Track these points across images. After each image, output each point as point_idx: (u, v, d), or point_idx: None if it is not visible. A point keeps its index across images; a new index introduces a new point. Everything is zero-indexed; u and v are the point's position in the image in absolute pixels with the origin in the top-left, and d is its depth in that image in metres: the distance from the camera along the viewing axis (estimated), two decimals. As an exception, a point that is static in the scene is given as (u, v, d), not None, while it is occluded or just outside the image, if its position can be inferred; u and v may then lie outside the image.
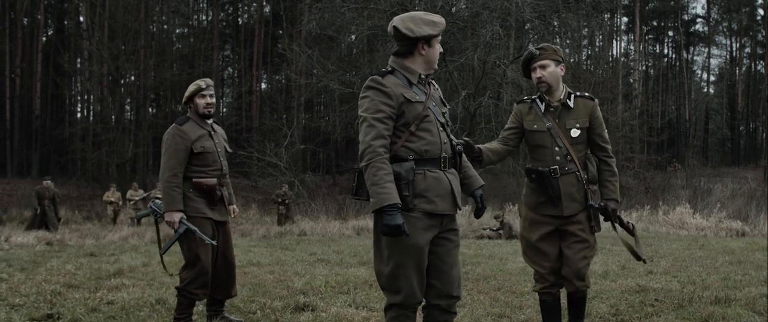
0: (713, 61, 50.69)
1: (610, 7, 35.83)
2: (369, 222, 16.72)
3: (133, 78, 32.47)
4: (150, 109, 35.95)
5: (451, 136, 3.18)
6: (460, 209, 3.15)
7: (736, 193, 21.17)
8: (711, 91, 51.12)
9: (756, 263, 7.91)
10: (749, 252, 9.36)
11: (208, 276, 4.36)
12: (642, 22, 43.18)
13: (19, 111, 34.84)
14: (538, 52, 3.71)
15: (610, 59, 40.17)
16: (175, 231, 4.29)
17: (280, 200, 19.98)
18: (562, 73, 3.74)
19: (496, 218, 13.99)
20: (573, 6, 27.04)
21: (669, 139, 42.66)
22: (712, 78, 51.57)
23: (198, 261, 4.32)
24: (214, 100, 4.55)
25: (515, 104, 3.90)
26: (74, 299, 5.55)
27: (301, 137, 30.51)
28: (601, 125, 3.74)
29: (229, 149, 4.72)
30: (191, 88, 4.52)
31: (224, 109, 40.99)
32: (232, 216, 4.73)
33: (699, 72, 51.13)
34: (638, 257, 3.91)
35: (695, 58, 49.69)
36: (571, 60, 33.52)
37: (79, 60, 36.71)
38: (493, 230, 13.62)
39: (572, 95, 3.76)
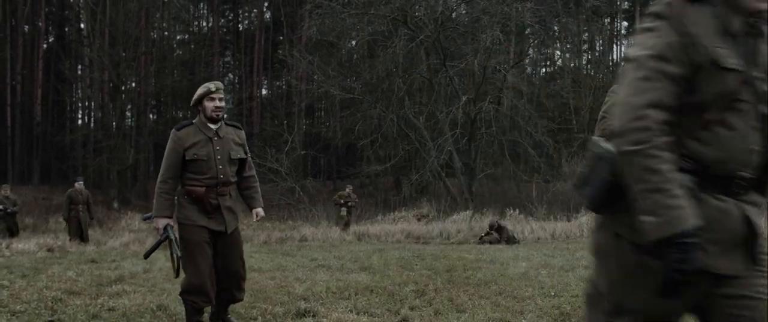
0: (713, 65, 50.75)
1: (610, 12, 35.89)
2: (369, 228, 16.65)
3: (133, 84, 32.54)
4: (151, 116, 36.04)
5: None
6: None
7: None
8: (711, 95, 51.17)
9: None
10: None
11: (204, 286, 4.27)
12: (642, 26, 43.17)
13: (20, 118, 34.87)
14: None
15: (611, 64, 40.20)
16: (160, 236, 4.34)
17: (342, 201, 17.57)
18: None
19: (491, 227, 13.84)
20: (573, 11, 27.11)
21: (670, 143, 42.62)
22: (712, 82, 51.63)
23: (186, 271, 4.31)
24: (223, 103, 4.46)
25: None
26: (75, 305, 5.55)
27: (301, 143, 30.53)
28: None
29: (243, 155, 4.55)
30: (200, 90, 4.41)
31: (225, 116, 40.97)
32: (256, 219, 4.73)
33: (699, 76, 51.15)
34: None
35: (695, 62, 49.71)
36: (572, 65, 33.56)
37: (80, 67, 36.75)
38: (486, 235, 13.53)
39: None
